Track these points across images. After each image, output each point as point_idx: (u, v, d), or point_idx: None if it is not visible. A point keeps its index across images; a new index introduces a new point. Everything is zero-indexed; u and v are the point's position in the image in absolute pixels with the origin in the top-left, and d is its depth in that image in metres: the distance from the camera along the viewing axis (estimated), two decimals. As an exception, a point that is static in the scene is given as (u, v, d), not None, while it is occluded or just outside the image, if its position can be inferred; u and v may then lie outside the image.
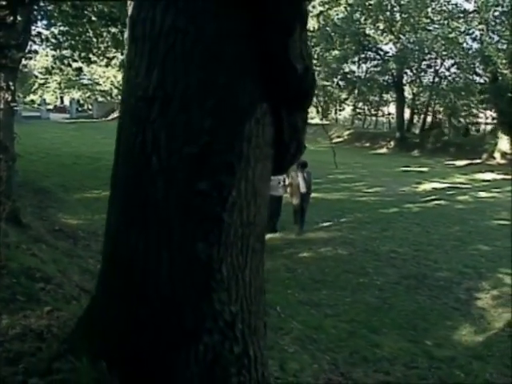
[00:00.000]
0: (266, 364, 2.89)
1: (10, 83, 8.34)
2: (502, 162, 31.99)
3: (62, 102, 54.14)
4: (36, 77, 38.00)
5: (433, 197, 19.25)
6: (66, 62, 17.38)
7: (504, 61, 30.77)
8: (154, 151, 2.58)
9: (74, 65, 16.94)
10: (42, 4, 13.35)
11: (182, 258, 2.57)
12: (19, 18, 8.63)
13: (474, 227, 14.84)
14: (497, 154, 33.15)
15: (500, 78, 31.93)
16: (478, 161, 32.96)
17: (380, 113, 45.72)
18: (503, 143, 32.98)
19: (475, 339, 7.52)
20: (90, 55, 15.60)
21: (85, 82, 43.45)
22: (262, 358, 2.82)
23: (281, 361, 6.11)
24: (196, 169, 2.55)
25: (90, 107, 52.98)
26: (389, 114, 45.37)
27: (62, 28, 16.14)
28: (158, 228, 2.59)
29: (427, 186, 22.09)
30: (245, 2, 2.52)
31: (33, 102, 45.54)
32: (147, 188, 2.60)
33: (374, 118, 46.26)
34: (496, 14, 32.16)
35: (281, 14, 2.52)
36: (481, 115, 41.20)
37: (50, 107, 49.20)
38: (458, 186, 22.78)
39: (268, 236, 11.55)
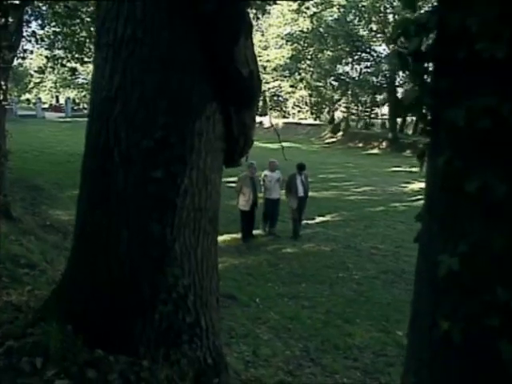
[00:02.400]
0: (217, 334, 3.28)
1: (2, 82, 8.70)
2: None
3: (57, 100, 54.39)
4: (31, 76, 38.28)
5: (419, 196, 19.45)
6: (59, 62, 17.71)
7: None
8: (115, 144, 2.99)
9: (68, 65, 17.27)
10: (35, 5, 13.70)
11: (140, 237, 2.97)
12: (11, 20, 8.97)
13: None
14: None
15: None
16: None
17: (373, 114, 46.09)
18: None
19: None
20: (83, 55, 15.92)
21: (80, 81, 43.76)
22: (213, 329, 3.21)
23: (254, 347, 6.38)
24: (152, 160, 2.95)
25: (85, 106, 53.28)
26: (382, 115, 45.74)
27: (55, 28, 16.47)
28: (118, 211, 3.00)
29: (415, 186, 22.27)
30: (195, 14, 2.91)
31: (28, 100, 45.83)
32: (110, 176, 3.01)
33: (367, 119, 46.62)
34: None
35: (227, 24, 2.92)
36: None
37: (46, 106, 49.44)
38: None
39: (255, 232, 11.73)
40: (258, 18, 14.54)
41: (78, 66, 18.36)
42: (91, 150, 3.18)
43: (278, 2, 15.43)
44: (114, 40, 2.99)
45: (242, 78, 3.03)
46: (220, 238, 11.91)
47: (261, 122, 43.82)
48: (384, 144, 39.84)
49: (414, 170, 29.00)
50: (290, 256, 11.13)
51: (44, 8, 15.08)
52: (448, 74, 1.47)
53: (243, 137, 3.26)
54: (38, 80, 39.54)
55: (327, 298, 8.83)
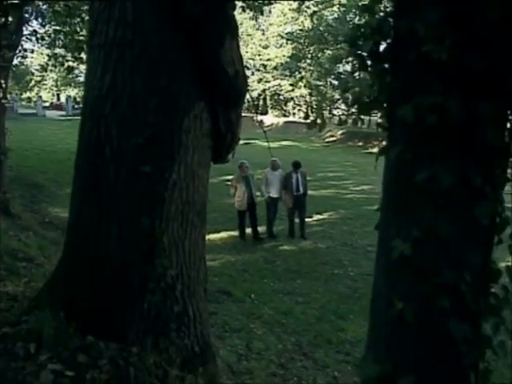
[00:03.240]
0: (205, 324, 3.42)
1: (2, 81, 8.84)
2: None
3: (58, 99, 54.51)
4: (32, 74, 38.40)
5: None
6: (59, 60, 17.81)
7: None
8: (106, 141, 3.13)
9: (66, 64, 17.37)
10: (35, 3, 13.82)
11: (129, 229, 3.11)
12: (11, 19, 9.10)
13: None
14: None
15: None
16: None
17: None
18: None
19: None
20: (82, 54, 16.03)
21: (81, 79, 43.89)
22: (200, 318, 3.35)
23: (248, 341, 6.46)
24: (141, 155, 3.09)
25: (85, 105, 53.10)
26: (382, 113, 45.67)
27: (55, 27, 16.56)
28: (109, 204, 3.14)
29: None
30: (183, 17, 3.05)
31: (29, 99, 45.98)
32: (101, 171, 3.15)
33: (366, 117, 46.52)
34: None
35: (213, 27, 3.06)
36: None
37: (47, 104, 49.56)
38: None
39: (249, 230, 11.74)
40: (256, 19, 14.66)
41: (76, 65, 18.45)
42: (84, 147, 3.33)
43: (273, 1, 15.47)
44: (106, 41, 3.13)
45: (228, 77, 3.16)
46: (217, 236, 12.05)
47: (261, 121, 43.95)
48: (384, 143, 39.74)
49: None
50: (287, 253, 11.19)
51: (44, 7, 15.20)
52: (400, 74, 1.60)
53: (230, 134, 3.40)
54: (38, 78, 39.65)
55: (322, 294, 8.89)
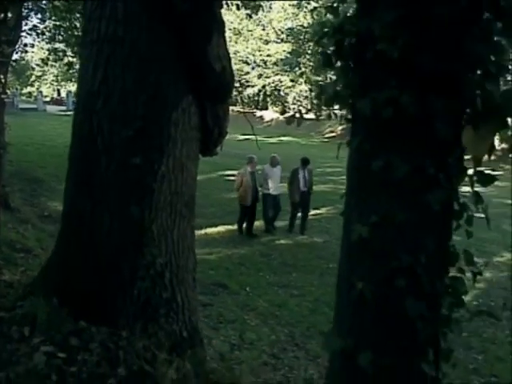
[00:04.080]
0: (193, 310, 3.56)
1: (1, 76, 8.95)
2: (491, 157, 32.25)
3: (58, 94, 54.54)
4: (33, 69, 38.48)
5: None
6: (60, 55, 17.92)
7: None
8: (98, 134, 3.27)
9: (65, 59, 17.48)
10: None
11: (120, 219, 3.26)
12: (10, 15, 9.20)
13: None
14: (486, 150, 33.39)
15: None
16: (467, 156, 33.14)
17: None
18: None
19: None
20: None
21: (82, 74, 43.76)
22: (189, 305, 3.49)
23: (241, 331, 6.59)
24: (132, 148, 3.23)
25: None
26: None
27: (55, 22, 16.65)
28: (100, 195, 3.28)
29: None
30: (172, 15, 3.18)
31: (30, 94, 46.10)
32: (93, 163, 3.29)
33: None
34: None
35: (200, 24, 3.18)
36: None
37: (48, 99, 49.61)
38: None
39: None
40: (250, 17, 14.73)
41: (76, 60, 18.55)
42: (77, 139, 3.47)
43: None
44: (98, 38, 3.27)
45: (215, 73, 3.29)
46: (215, 230, 12.15)
47: (261, 117, 43.99)
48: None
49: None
50: (283, 247, 11.27)
51: (44, 2, 15.30)
52: (359, 70, 1.73)
53: (217, 128, 3.53)
54: (39, 73, 39.72)
55: (317, 287, 8.99)
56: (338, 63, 1.78)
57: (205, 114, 3.43)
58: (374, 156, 1.66)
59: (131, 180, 3.24)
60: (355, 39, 1.71)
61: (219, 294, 7.99)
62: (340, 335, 1.84)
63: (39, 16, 16.97)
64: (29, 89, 46.15)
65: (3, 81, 8.98)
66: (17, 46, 11.31)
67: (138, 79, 3.23)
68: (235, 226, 11.59)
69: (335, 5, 1.80)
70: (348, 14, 1.76)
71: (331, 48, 1.76)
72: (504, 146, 33.07)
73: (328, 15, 1.79)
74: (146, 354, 3.10)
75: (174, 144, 3.30)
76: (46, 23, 17.18)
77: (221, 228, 11.70)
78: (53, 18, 16.74)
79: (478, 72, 1.58)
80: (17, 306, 3.25)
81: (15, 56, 14.21)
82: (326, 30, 1.73)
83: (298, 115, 2.13)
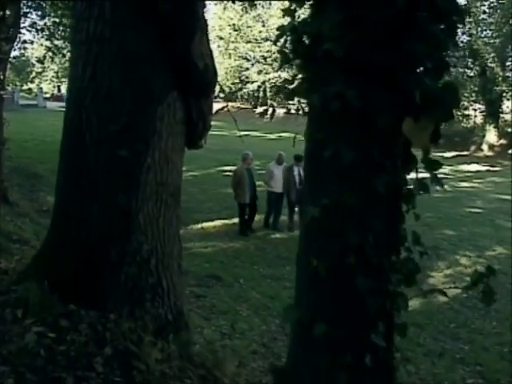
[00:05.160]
0: (179, 295, 3.75)
1: (0, 73, 9.15)
2: (490, 154, 32.22)
3: (59, 90, 54.68)
4: (33, 65, 38.62)
5: (411, 186, 19.65)
6: (59, 52, 18.07)
7: (492, 54, 31.33)
8: (87, 128, 3.47)
9: (68, 55, 17.62)
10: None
11: (108, 208, 3.46)
12: (8, 13, 9.36)
13: (444, 214, 15.18)
14: (484, 146, 33.41)
15: (488, 71, 32.47)
16: (466, 153, 33.21)
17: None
18: (491, 135, 33.31)
19: (418, 310, 8.06)
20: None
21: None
22: (174, 290, 3.68)
23: (233, 322, 6.76)
24: (119, 141, 3.42)
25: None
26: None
27: (54, 19, 16.81)
28: (89, 186, 3.48)
29: (408, 176, 22.50)
30: (156, 15, 3.36)
31: (30, 90, 46.27)
32: (82, 156, 3.49)
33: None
34: (484, 8, 32.75)
35: (183, 24, 3.37)
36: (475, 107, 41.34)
37: (48, 96, 49.76)
38: (441, 176, 23.37)
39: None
40: (247, 11, 14.89)
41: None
42: (67, 134, 3.67)
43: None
44: (87, 38, 3.47)
45: (199, 70, 3.49)
46: (211, 224, 12.31)
47: (261, 113, 44.03)
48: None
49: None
50: (278, 241, 11.38)
51: (42, -1, 15.45)
52: (312, 67, 1.90)
53: (201, 122, 3.73)
54: (39, 70, 39.84)
55: (309, 279, 9.09)
56: (296, 61, 1.95)
57: (189, 109, 3.62)
58: (325, 145, 1.84)
59: (118, 171, 3.44)
60: (309, 39, 1.89)
61: (213, 286, 8.15)
62: (298, 308, 2.03)
63: (39, 13, 17.12)
64: (29, 85, 46.28)
65: (1, 77, 9.17)
66: (15, 44, 11.48)
67: (125, 76, 3.42)
68: (232, 221, 11.69)
69: (292, 8, 1.98)
70: (303, 17, 1.93)
71: (289, 47, 1.94)
72: (503, 142, 32.93)
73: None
74: (131, 336, 3.29)
75: (159, 137, 3.49)
76: (45, 20, 17.33)
77: (217, 222, 11.85)
78: (52, 14, 16.88)
79: (420, 68, 1.76)
80: (11, 290, 3.45)
81: (15, 52, 14.40)
82: (284, 31, 1.91)
83: (271, 109, 2.30)
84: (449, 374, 6.06)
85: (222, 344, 5.77)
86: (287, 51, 1.96)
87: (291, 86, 1.96)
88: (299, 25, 1.92)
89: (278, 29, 1.99)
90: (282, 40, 1.94)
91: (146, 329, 3.40)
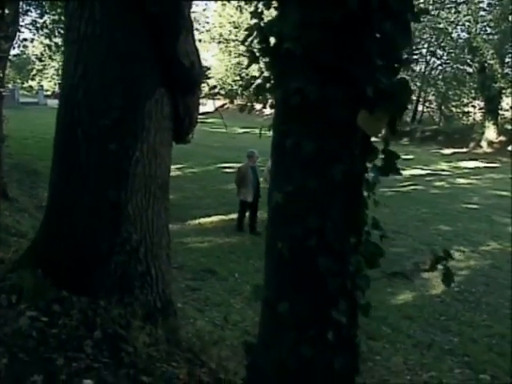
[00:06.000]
0: (167, 283, 3.93)
1: (-1, 71, 9.33)
2: (489, 150, 32.24)
3: (59, 88, 54.60)
4: (34, 63, 38.76)
5: (410, 182, 19.74)
6: (59, 50, 18.22)
7: (491, 51, 31.39)
8: (79, 124, 3.65)
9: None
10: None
11: (99, 200, 3.65)
12: (7, 11, 9.53)
13: (441, 210, 15.27)
14: (483, 143, 33.40)
15: (487, 68, 32.54)
16: (465, 149, 33.26)
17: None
18: (490, 132, 33.33)
19: (409, 303, 8.17)
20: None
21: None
22: (163, 278, 3.86)
23: (226, 314, 6.89)
24: (109, 136, 3.60)
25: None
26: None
27: (54, 17, 16.95)
28: (80, 179, 3.67)
29: (407, 173, 22.54)
30: (144, 16, 3.53)
31: (31, 87, 46.48)
32: (74, 150, 3.68)
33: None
34: (483, 5, 32.83)
35: (169, 24, 3.54)
36: (475, 104, 41.38)
37: (49, 93, 49.88)
38: (439, 172, 23.29)
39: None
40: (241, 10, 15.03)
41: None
42: (60, 129, 3.85)
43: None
44: (78, 37, 3.64)
45: (185, 68, 3.66)
46: (208, 220, 12.44)
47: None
48: (382, 132, 39.86)
49: (408, 157, 29.31)
50: (274, 236, 11.42)
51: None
52: (276, 65, 2.07)
53: (188, 117, 3.91)
54: (40, 67, 39.96)
55: (304, 273, 9.21)
56: (263, 60, 2.12)
57: (176, 105, 3.79)
58: (288, 136, 2.01)
59: (108, 165, 3.62)
60: (274, 39, 2.06)
61: (208, 279, 8.29)
62: (266, 287, 2.20)
63: (38, 11, 17.26)
64: (30, 83, 46.44)
65: (1, 75, 9.35)
66: (14, 42, 11.65)
67: (115, 74, 3.60)
68: (229, 216, 11.80)
69: (259, 11, 2.15)
70: (269, 18, 2.10)
71: (257, 46, 2.11)
72: (502, 138, 32.89)
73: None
74: (121, 321, 3.46)
75: (147, 132, 3.66)
76: (45, 18, 17.48)
77: (214, 218, 11.97)
78: (52, 12, 17.02)
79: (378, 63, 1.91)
80: (6, 277, 3.64)
81: (15, 51, 14.55)
82: (252, 31, 2.08)
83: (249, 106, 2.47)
84: (437, 364, 6.18)
85: (212, 333, 5.90)
86: (255, 50, 2.13)
87: (257, 83, 2.13)
88: (265, 25, 2.08)
89: (246, 29, 2.16)
90: (250, 40, 2.10)
91: (134, 314, 3.57)
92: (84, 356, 3.06)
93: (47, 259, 3.70)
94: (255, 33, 2.11)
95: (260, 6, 2.19)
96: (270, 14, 2.21)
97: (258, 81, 2.15)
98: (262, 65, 2.13)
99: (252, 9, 2.19)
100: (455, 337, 6.98)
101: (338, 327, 2.12)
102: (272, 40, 2.13)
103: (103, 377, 2.92)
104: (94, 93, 3.61)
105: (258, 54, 2.13)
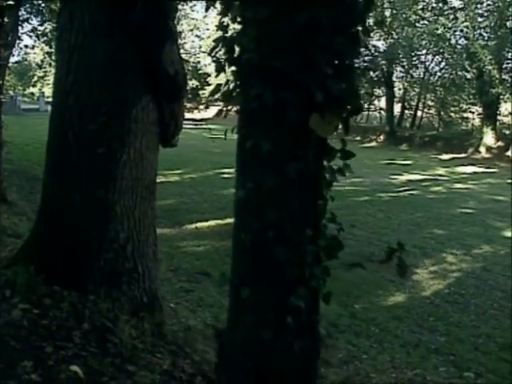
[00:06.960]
0: (153, 280, 4.16)
1: (-1, 78, 9.58)
2: (487, 156, 32.36)
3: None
4: (35, 70, 39.10)
5: (407, 187, 19.85)
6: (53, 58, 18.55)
7: (488, 57, 31.60)
8: (69, 128, 3.91)
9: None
10: (34, 3, 14.51)
11: (88, 200, 3.90)
12: (6, 20, 9.79)
13: (435, 214, 15.35)
14: (482, 148, 33.49)
15: (485, 74, 32.76)
16: (464, 155, 33.36)
17: (372, 107, 46.50)
18: (488, 138, 33.44)
19: (399, 304, 8.29)
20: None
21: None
22: (149, 275, 4.10)
23: (218, 313, 7.07)
24: (97, 139, 3.84)
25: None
26: (381, 108, 46.16)
27: (54, 25, 17.29)
28: (72, 180, 3.92)
29: (404, 178, 22.62)
30: (130, 26, 3.78)
31: (32, 94, 46.87)
32: (66, 152, 3.94)
33: (365, 112, 46.92)
34: (480, 11, 33.09)
35: (154, 35, 3.79)
36: (473, 109, 41.53)
37: (50, 100, 49.97)
38: (436, 178, 23.34)
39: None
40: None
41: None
42: (52, 133, 4.12)
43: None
44: (69, 47, 3.89)
45: (169, 76, 3.92)
46: (205, 224, 12.61)
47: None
48: (382, 137, 40.17)
49: (407, 162, 29.44)
50: (268, 239, 11.58)
51: (42, 5, 15.94)
52: (239, 74, 2.29)
53: (173, 122, 4.16)
54: (41, 74, 40.31)
55: (298, 274, 9.32)
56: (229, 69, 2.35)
57: (162, 111, 4.04)
58: (248, 137, 2.24)
59: (97, 167, 3.88)
60: (238, 50, 2.29)
61: (202, 281, 8.43)
62: (231, 274, 2.43)
63: (38, 19, 17.57)
64: (31, 89, 46.83)
65: (0, 82, 9.61)
66: (14, 49, 11.92)
67: (103, 81, 3.86)
68: (225, 221, 11.97)
69: (224, 24, 2.38)
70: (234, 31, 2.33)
71: (223, 57, 2.34)
72: (500, 144, 32.97)
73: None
74: (108, 314, 3.69)
75: (134, 136, 3.92)
76: (45, 25, 17.81)
77: (211, 222, 12.12)
78: (53, 20, 17.33)
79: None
80: (1, 273, 3.88)
81: (16, 58, 14.83)
82: (218, 43, 2.32)
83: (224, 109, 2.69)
84: (422, 362, 6.30)
85: (202, 331, 6.06)
86: (221, 60, 2.36)
87: (223, 90, 2.36)
88: (230, 37, 2.32)
89: (214, 41, 2.40)
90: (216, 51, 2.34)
91: (122, 309, 3.80)
92: (72, 345, 3.28)
93: (40, 256, 3.94)
94: (220, 44, 2.34)
95: (225, 19, 2.41)
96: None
97: (225, 88, 2.37)
98: (228, 73, 2.35)
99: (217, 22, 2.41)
100: (442, 337, 7.09)
101: (298, 312, 2.33)
102: (237, 50, 2.36)
103: (90, 364, 3.13)
104: (83, 99, 3.87)
105: (223, 64, 2.36)
